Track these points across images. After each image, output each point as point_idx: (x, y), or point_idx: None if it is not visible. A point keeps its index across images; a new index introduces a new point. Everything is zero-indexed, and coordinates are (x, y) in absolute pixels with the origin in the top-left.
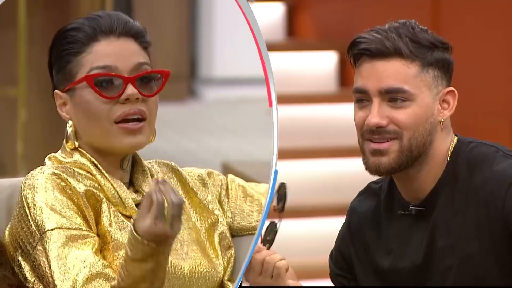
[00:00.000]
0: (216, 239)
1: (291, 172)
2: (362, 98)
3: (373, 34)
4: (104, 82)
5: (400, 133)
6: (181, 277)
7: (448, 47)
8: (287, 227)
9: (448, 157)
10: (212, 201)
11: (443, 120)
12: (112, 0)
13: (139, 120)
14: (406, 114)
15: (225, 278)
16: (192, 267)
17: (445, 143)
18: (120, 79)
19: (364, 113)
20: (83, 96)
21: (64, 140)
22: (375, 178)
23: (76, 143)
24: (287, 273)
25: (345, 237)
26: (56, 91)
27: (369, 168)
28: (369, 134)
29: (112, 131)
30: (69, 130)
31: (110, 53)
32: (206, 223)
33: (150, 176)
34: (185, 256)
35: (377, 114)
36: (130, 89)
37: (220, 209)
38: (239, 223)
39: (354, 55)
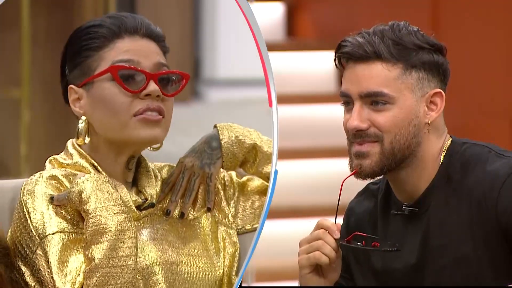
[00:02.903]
0: (220, 236)
1: (291, 172)
2: (347, 101)
3: (357, 38)
4: (126, 76)
5: (381, 136)
6: (180, 273)
7: (439, 48)
8: (286, 227)
9: (442, 158)
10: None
11: (429, 122)
12: (115, 1)
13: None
14: (386, 117)
15: (233, 273)
16: (191, 262)
17: (436, 145)
18: (143, 74)
19: (349, 116)
20: (102, 89)
21: (75, 137)
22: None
23: (87, 139)
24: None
25: (343, 237)
26: (71, 86)
27: (352, 170)
28: (352, 137)
29: (130, 123)
30: (81, 126)
31: (134, 49)
32: (212, 220)
33: (154, 178)
34: (184, 251)
35: (357, 117)
36: (152, 86)
37: (227, 206)
38: (242, 220)
39: (337, 58)
